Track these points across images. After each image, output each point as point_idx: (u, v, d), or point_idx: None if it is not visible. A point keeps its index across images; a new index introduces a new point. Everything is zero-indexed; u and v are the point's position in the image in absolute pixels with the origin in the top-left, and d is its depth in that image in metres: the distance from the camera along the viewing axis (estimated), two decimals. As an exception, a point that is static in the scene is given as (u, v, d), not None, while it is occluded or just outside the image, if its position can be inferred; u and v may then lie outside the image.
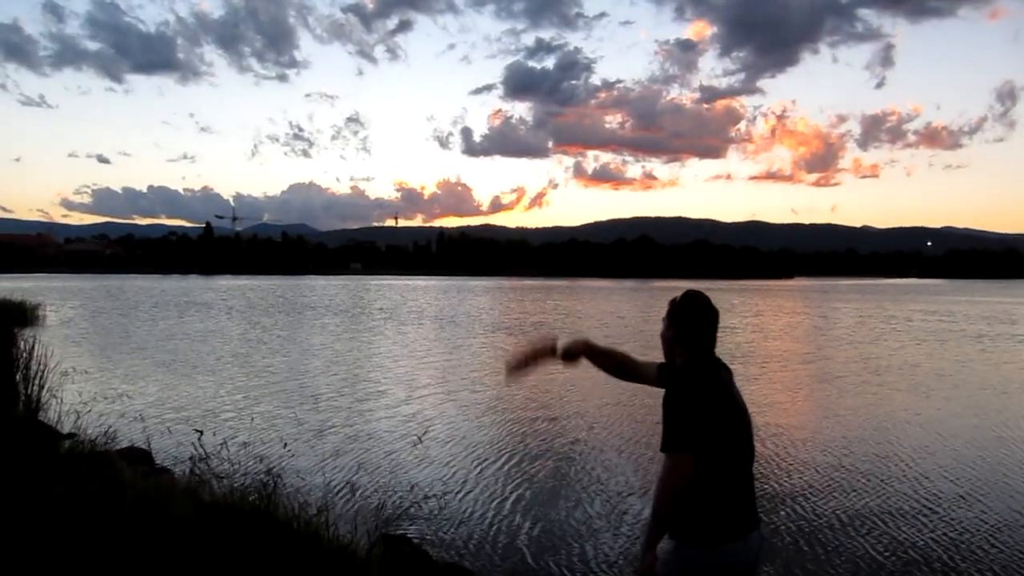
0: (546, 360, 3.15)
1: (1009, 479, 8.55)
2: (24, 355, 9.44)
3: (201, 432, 6.30)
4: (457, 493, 7.76)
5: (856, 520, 7.03)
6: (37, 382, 8.90)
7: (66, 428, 8.03)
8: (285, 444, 9.18)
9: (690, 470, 2.61)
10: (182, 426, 10.10)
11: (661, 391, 2.90)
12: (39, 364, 9.16)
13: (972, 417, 12.18)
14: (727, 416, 2.72)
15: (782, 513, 7.20)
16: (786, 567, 5.95)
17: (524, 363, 3.13)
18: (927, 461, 9.31)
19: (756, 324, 33.31)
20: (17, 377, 9.19)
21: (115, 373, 15.86)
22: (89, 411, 8.44)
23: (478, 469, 8.70)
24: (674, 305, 2.92)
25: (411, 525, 6.71)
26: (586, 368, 3.20)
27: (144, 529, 4.39)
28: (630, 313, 40.22)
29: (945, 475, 8.65)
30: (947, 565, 5.99)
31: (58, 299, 45.87)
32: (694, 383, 2.73)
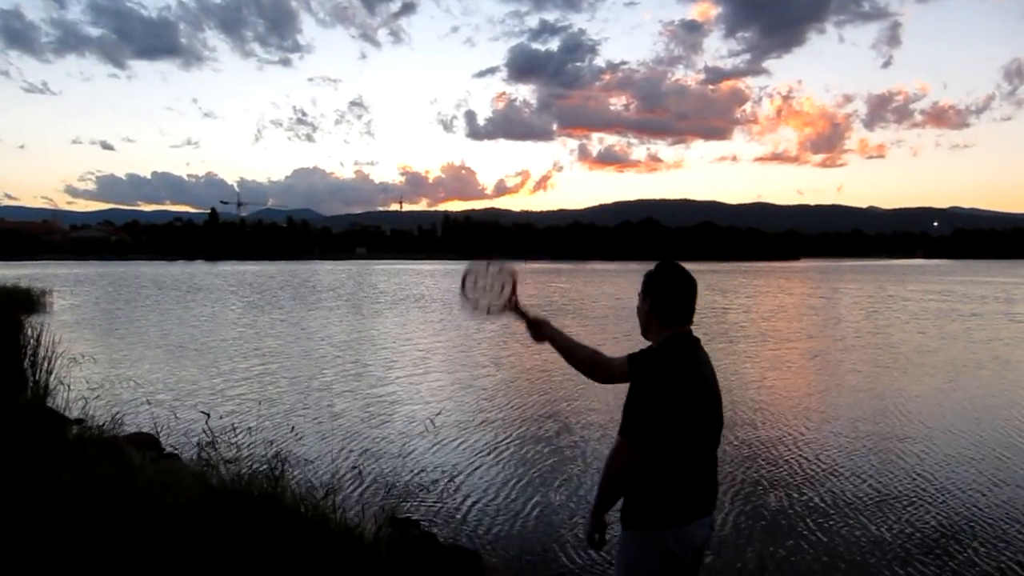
0: (518, 319, 3.09)
1: (970, 454, 8.66)
2: (31, 342, 9.45)
3: (208, 416, 6.31)
4: (464, 476, 7.79)
5: (812, 504, 7.06)
6: (44, 368, 8.91)
7: (74, 414, 8.05)
8: (292, 428, 9.22)
9: (633, 461, 2.55)
10: (189, 411, 10.14)
11: None
12: (46, 351, 9.17)
13: (943, 392, 12.44)
14: (695, 404, 2.60)
15: (740, 498, 7.21)
16: (740, 553, 5.94)
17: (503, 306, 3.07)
18: (892, 437, 9.40)
19: (751, 305, 33.37)
20: (25, 364, 9.20)
21: (122, 359, 15.92)
22: (97, 397, 8.44)
23: (485, 452, 8.73)
24: (649, 276, 2.82)
25: (418, 508, 6.75)
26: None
27: (153, 514, 4.42)
28: (634, 296, 40.12)
29: (907, 452, 8.73)
30: (896, 546, 6.02)
31: (64, 286, 45.98)
32: (667, 369, 2.60)
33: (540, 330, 3.07)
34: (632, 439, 2.54)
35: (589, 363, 3.08)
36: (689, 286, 2.73)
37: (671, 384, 2.55)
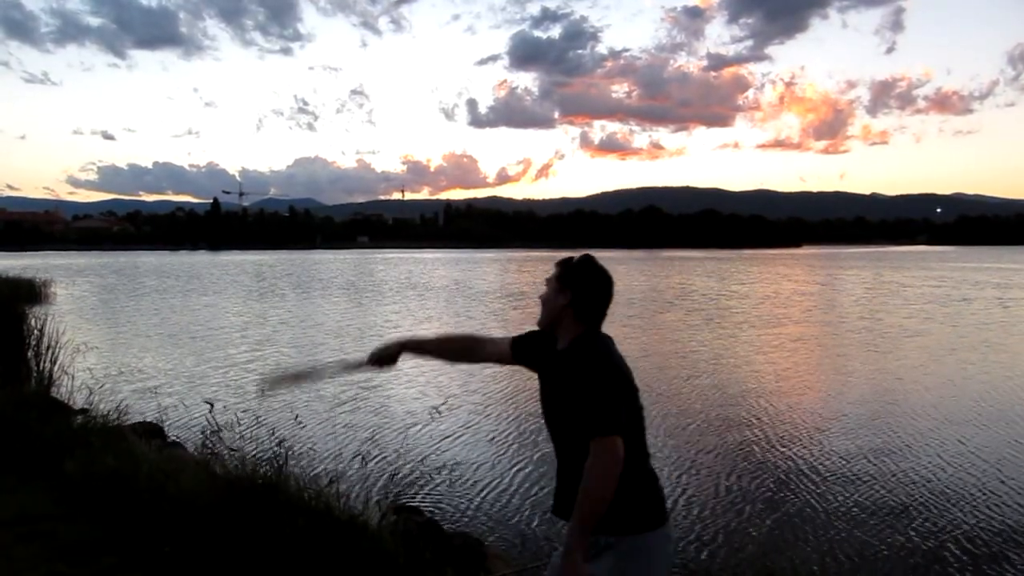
0: (344, 374, 3.04)
1: (938, 435, 8.79)
2: (35, 332, 9.48)
3: (212, 405, 6.33)
4: (468, 464, 7.81)
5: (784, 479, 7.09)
6: (49, 358, 8.95)
7: (78, 403, 8.09)
8: (296, 415, 9.24)
9: (623, 452, 2.29)
10: (194, 400, 10.18)
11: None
12: (50, 341, 9.20)
13: (926, 375, 12.67)
14: (635, 392, 2.48)
15: (714, 475, 7.29)
16: (716, 525, 5.99)
17: (289, 382, 3.06)
18: (866, 417, 9.63)
19: (747, 291, 33.63)
20: (29, 354, 9.24)
21: (126, 348, 15.96)
22: (101, 386, 8.47)
23: (487, 440, 8.76)
24: (569, 268, 2.58)
25: (423, 496, 6.77)
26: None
27: (157, 502, 4.44)
28: (636, 283, 40.12)
29: (879, 432, 8.89)
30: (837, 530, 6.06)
31: (67, 276, 46.03)
32: (610, 358, 2.45)
33: (389, 352, 2.95)
34: (615, 425, 2.31)
35: (460, 351, 3.09)
36: (611, 286, 2.59)
37: (620, 372, 2.44)
